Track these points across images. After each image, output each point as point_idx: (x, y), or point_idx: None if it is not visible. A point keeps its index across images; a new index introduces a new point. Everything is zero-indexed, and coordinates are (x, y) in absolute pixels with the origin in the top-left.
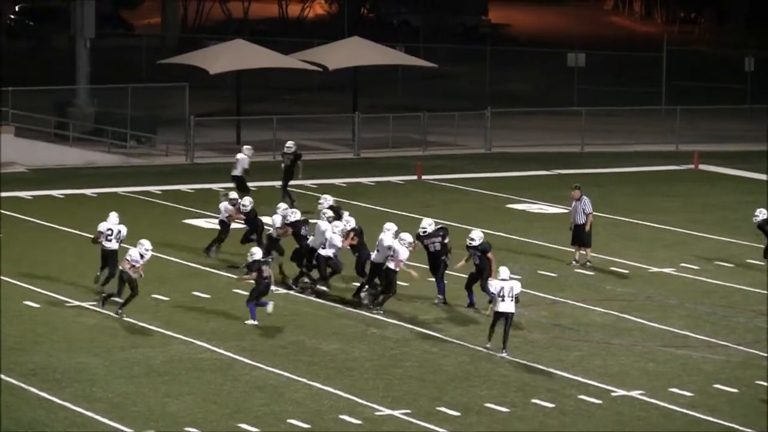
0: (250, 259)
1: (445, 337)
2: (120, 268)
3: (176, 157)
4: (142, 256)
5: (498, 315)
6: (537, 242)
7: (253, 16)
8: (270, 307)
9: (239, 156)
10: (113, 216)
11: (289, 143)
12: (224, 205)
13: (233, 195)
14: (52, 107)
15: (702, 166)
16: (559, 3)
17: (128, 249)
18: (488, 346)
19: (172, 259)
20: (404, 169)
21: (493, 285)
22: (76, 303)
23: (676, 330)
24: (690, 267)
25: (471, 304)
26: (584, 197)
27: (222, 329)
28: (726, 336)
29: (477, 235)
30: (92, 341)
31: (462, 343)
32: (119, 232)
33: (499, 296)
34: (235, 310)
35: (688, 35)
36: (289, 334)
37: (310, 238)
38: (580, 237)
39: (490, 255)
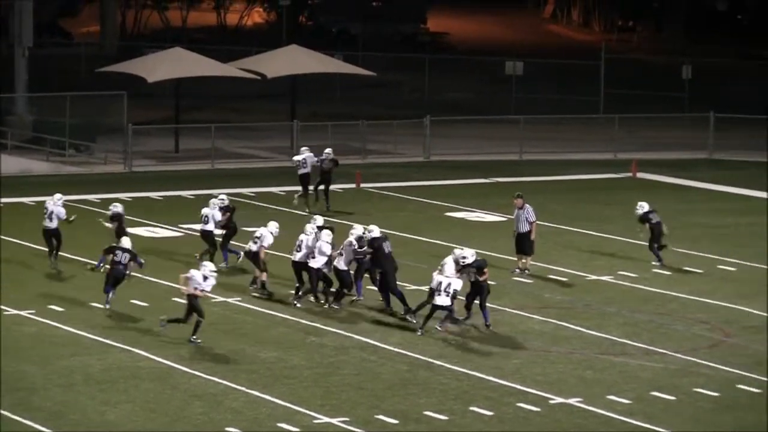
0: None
1: (383, 345)
2: (185, 292)
3: (115, 165)
4: (205, 278)
5: (435, 308)
6: (476, 250)
7: (191, 24)
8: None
9: (306, 155)
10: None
11: (328, 150)
12: (212, 212)
13: (225, 201)
14: None
15: (640, 175)
16: (498, 12)
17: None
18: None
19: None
20: (343, 177)
21: (435, 278)
22: (15, 311)
23: (614, 338)
24: (628, 275)
25: (487, 325)
26: (527, 206)
27: (160, 338)
28: (664, 344)
29: (469, 253)
30: (31, 349)
31: (400, 351)
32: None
33: (437, 291)
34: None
35: (626, 43)
36: (229, 342)
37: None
38: (523, 245)
39: (486, 271)
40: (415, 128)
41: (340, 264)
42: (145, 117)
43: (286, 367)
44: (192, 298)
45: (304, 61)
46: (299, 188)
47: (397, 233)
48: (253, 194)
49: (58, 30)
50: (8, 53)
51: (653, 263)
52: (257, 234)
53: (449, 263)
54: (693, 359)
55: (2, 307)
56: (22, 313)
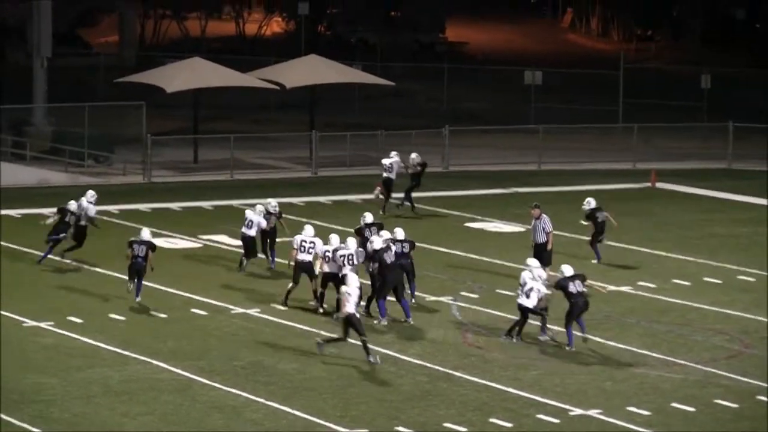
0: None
1: (402, 357)
2: (345, 312)
3: (134, 176)
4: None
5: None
6: (495, 261)
7: (210, 34)
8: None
9: (393, 160)
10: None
11: (413, 155)
12: (258, 218)
13: (277, 208)
14: (8, 126)
15: (659, 185)
16: (516, 21)
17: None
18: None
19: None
20: (362, 188)
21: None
22: (33, 323)
23: (633, 349)
24: (647, 285)
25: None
26: (543, 216)
27: (180, 349)
28: (683, 354)
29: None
30: (49, 361)
31: (420, 362)
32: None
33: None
34: (192, 330)
35: (645, 53)
36: (248, 353)
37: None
38: (540, 256)
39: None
40: (433, 138)
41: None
42: (164, 127)
43: (306, 378)
44: (351, 318)
45: (323, 71)
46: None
47: (416, 243)
48: (276, 203)
49: (76, 40)
50: (27, 63)
51: (592, 261)
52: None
53: (531, 269)
54: (712, 370)
55: (20, 318)
56: (41, 324)
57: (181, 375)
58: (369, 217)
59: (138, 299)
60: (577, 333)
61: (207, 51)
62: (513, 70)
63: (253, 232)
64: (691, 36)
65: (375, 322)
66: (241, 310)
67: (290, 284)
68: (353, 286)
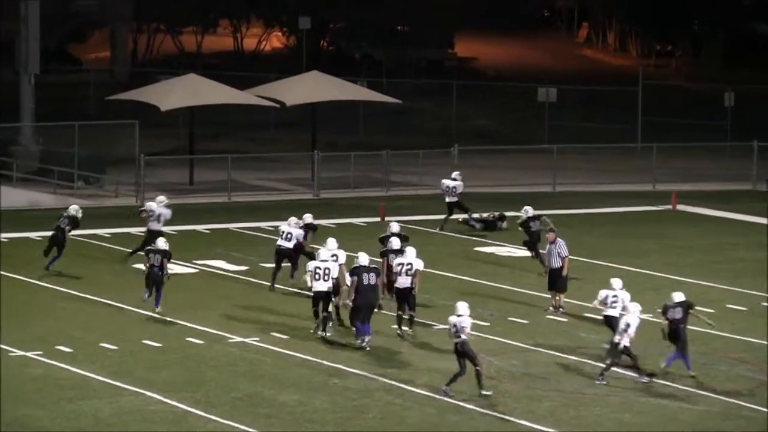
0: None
1: (410, 388)
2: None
3: (126, 198)
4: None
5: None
6: (506, 287)
7: (206, 49)
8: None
9: (456, 182)
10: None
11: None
12: (296, 231)
13: (309, 220)
14: None
15: (680, 207)
16: (529, 35)
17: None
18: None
19: (121, 306)
20: (366, 210)
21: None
22: (21, 352)
23: (654, 379)
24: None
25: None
26: (559, 240)
27: (174, 380)
28: (705, 385)
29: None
30: (38, 392)
31: (428, 393)
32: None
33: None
34: (188, 360)
35: (664, 69)
36: (246, 384)
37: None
38: (556, 281)
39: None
40: (441, 158)
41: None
42: (158, 147)
43: (308, 410)
44: (462, 346)
45: (325, 88)
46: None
47: (424, 269)
48: (271, 228)
49: (65, 56)
50: (14, 80)
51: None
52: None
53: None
54: (735, 401)
55: (7, 348)
56: (29, 354)
57: (176, 407)
58: (395, 227)
59: (158, 309)
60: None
61: (203, 67)
62: (526, 87)
63: (291, 245)
64: (712, 51)
65: (358, 341)
66: (239, 339)
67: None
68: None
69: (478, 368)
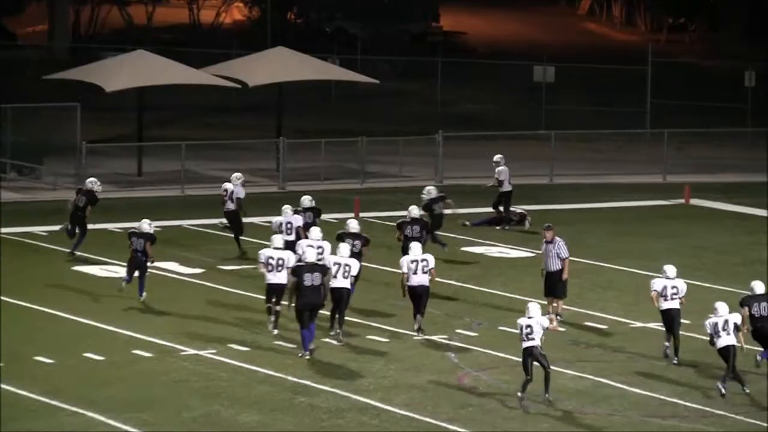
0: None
1: (386, 407)
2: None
3: (66, 191)
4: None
5: (725, 353)
6: (498, 292)
7: (157, 22)
8: None
9: (501, 168)
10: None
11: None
12: (296, 219)
13: (308, 203)
14: None
15: (694, 201)
16: (525, 8)
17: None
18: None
19: (59, 314)
20: (339, 204)
21: (708, 325)
22: None
23: (662, 397)
24: (680, 321)
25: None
26: (557, 239)
27: (119, 398)
28: (722, 404)
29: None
30: None
31: (407, 413)
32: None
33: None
34: (135, 375)
35: (677, 45)
36: (201, 403)
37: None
38: (554, 286)
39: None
40: (425, 146)
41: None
42: (102, 134)
43: None
44: (533, 351)
45: (293, 66)
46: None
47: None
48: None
49: None
50: None
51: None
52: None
53: (722, 306)
54: (753, 421)
55: None
56: None
57: (121, 429)
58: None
59: (142, 297)
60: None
61: (154, 42)
62: (520, 66)
63: (293, 237)
64: (733, 25)
65: (299, 354)
66: (192, 352)
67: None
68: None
69: (548, 371)
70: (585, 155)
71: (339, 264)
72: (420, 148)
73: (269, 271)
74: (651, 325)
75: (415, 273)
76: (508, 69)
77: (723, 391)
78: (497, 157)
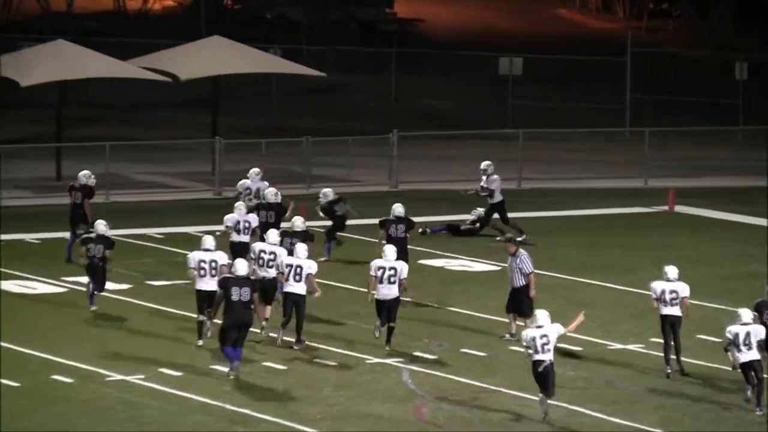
0: None
1: None
2: None
3: None
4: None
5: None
6: (459, 310)
7: (79, 8)
8: None
9: (495, 176)
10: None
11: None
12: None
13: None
14: None
15: (679, 208)
16: None
17: None
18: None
19: None
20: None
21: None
22: None
23: (645, 427)
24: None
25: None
26: (521, 251)
27: (36, 429)
28: None
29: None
30: None
31: None
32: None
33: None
34: (54, 403)
35: (660, 33)
36: None
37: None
38: (518, 304)
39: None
40: (377, 146)
41: None
42: (17, 134)
43: None
44: (546, 368)
45: (230, 57)
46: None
47: (352, 287)
48: (161, 236)
49: None
50: None
51: (321, 259)
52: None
53: (745, 313)
54: None
55: None
56: None
57: None
58: (399, 209)
59: (93, 308)
60: None
61: (75, 32)
62: (484, 57)
63: (247, 238)
64: (722, 11)
65: (228, 371)
66: (119, 377)
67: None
68: None
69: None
70: (557, 156)
71: (291, 266)
72: (372, 148)
73: (201, 276)
74: (631, 347)
75: (381, 282)
76: (471, 60)
77: (748, 395)
78: (485, 164)
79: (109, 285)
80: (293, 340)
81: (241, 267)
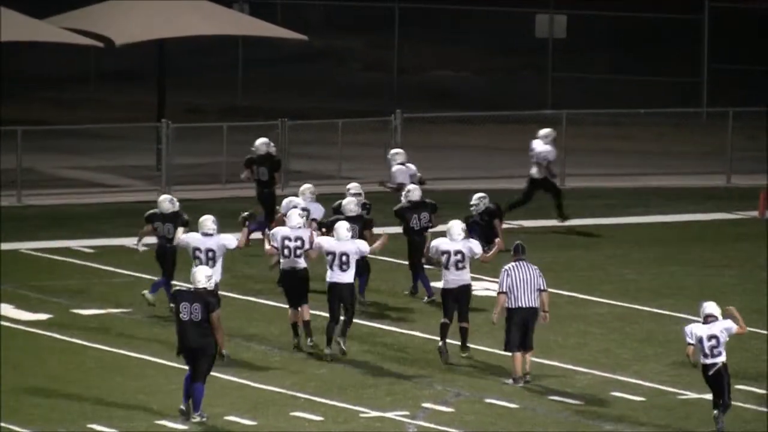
0: None
1: None
2: None
3: None
4: None
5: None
6: (481, 347)
7: None
8: None
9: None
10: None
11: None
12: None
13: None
14: None
15: None
16: None
17: None
18: None
19: None
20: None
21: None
22: None
23: None
24: (754, 391)
25: None
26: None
27: None
28: None
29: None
30: None
31: None
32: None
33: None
34: None
35: None
36: None
37: None
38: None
39: None
40: (376, 132)
41: None
42: None
43: None
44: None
45: (180, 16)
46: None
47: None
48: (90, 250)
49: None
50: None
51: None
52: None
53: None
54: None
55: None
56: None
57: None
58: (416, 193)
59: (151, 296)
60: None
61: None
62: (516, 15)
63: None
64: None
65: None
66: None
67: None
68: None
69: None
70: (610, 146)
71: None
72: (369, 135)
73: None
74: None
75: (447, 268)
76: (498, 18)
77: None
78: (393, 152)
79: (22, 314)
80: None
81: (200, 276)
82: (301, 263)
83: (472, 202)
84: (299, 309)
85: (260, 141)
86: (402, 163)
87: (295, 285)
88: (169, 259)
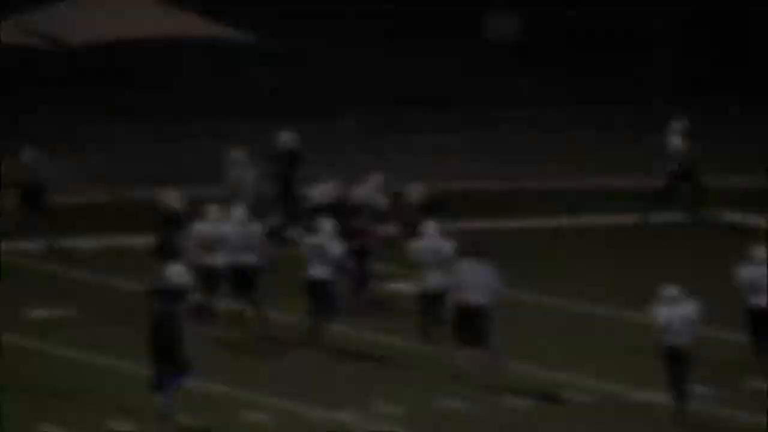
0: None
1: None
2: None
3: None
4: None
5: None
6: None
7: None
8: None
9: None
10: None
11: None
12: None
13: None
14: None
15: None
16: None
17: None
18: None
19: None
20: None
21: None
22: None
23: None
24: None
25: None
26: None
27: None
28: None
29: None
30: None
31: None
32: None
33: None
34: None
35: None
36: None
37: None
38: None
39: None
40: (323, 132)
41: None
42: None
43: None
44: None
45: (138, 16)
46: None
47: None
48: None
49: None
50: None
51: None
52: None
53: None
54: None
55: None
56: None
57: None
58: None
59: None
60: None
61: None
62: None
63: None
64: None
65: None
66: None
67: None
68: None
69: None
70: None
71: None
72: (315, 134)
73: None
74: (663, 398)
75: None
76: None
77: None
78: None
79: None
80: None
81: (176, 271)
82: None
83: None
84: None
85: None
86: None
87: None
88: None
